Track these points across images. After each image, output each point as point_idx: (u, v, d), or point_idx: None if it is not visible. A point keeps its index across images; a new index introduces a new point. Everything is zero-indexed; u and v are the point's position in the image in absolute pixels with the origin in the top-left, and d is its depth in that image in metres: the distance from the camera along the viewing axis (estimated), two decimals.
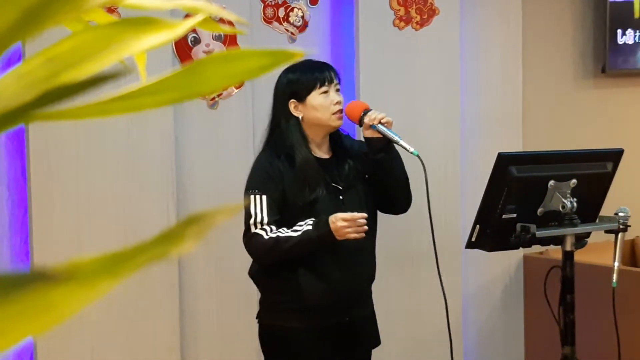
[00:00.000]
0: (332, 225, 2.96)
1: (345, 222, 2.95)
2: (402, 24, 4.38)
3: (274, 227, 3.04)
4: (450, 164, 4.47)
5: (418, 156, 3.05)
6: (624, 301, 3.69)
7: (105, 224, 3.65)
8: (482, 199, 3.12)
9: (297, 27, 4.14)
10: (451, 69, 4.50)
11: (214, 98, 3.91)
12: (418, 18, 4.41)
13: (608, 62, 5.18)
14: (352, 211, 3.04)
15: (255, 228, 3.05)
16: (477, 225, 3.11)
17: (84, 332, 3.55)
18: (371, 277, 3.28)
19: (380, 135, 3.14)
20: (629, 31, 5.27)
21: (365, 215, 3.00)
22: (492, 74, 4.70)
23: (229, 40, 3.92)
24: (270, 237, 3.02)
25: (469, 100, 4.62)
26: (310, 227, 3.00)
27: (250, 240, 3.06)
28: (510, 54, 4.74)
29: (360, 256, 3.18)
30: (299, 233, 3.00)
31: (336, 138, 3.24)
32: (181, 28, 0.52)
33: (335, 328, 3.15)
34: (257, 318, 3.26)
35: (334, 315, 3.14)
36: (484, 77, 4.68)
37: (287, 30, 4.12)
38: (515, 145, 4.70)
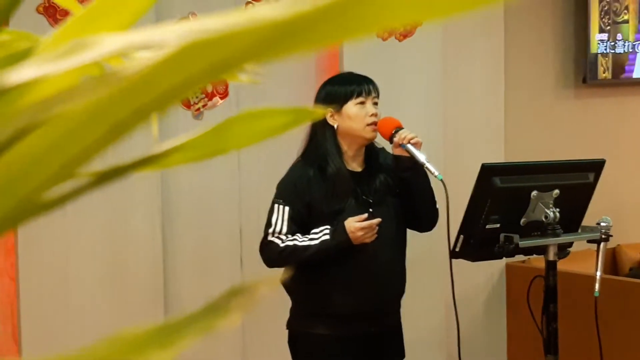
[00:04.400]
0: (350, 235, 3.04)
1: (363, 232, 3.03)
2: (386, 34, 4.40)
3: (289, 236, 3.11)
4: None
5: (442, 181, 3.06)
6: (606, 310, 3.72)
7: (91, 232, 3.65)
8: (466, 210, 3.15)
9: None
10: (434, 79, 4.52)
11: (198, 109, 3.93)
12: (401, 29, 4.44)
13: (589, 72, 5.23)
14: (380, 225, 3.11)
15: (272, 237, 3.12)
16: (461, 235, 3.13)
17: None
18: (401, 291, 3.33)
19: (408, 155, 3.15)
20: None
21: (379, 220, 3.07)
22: (475, 85, 4.73)
23: None
24: (287, 245, 3.09)
25: (451, 111, 4.65)
26: (327, 237, 3.07)
27: (266, 247, 3.14)
28: (492, 65, 4.78)
29: (391, 269, 3.23)
30: (317, 242, 3.08)
31: (371, 151, 3.27)
32: None
33: (362, 338, 3.20)
34: (287, 325, 3.30)
35: (362, 326, 3.19)
36: (466, 88, 4.71)
37: None
38: (497, 155, 4.73)
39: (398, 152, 3.18)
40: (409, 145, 3.13)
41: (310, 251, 3.07)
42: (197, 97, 3.90)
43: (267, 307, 4.02)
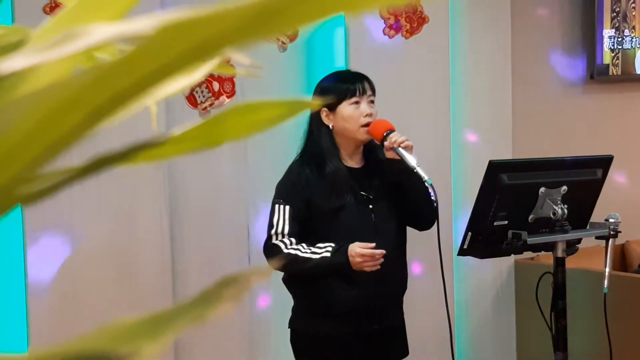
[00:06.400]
0: (350, 259, 3.02)
1: (362, 258, 3.01)
2: (392, 32, 4.40)
3: (293, 240, 3.09)
4: (441, 171, 4.49)
5: (431, 185, 3.04)
6: (615, 306, 3.71)
7: (99, 232, 3.66)
8: (474, 206, 3.14)
9: (288, 36, 4.16)
10: (441, 76, 4.52)
11: (205, 108, 3.93)
12: (408, 26, 4.43)
13: (596, 69, 5.22)
14: (380, 222, 3.12)
15: (276, 239, 3.11)
16: (469, 233, 3.13)
17: None
18: (403, 288, 3.32)
19: (400, 158, 3.11)
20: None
21: (383, 251, 3.03)
22: (482, 82, 4.73)
23: None
24: (289, 253, 3.07)
25: (458, 107, 4.64)
26: (328, 255, 3.05)
27: (270, 250, 3.13)
28: (499, 61, 4.77)
29: (392, 267, 3.19)
30: (317, 257, 3.05)
31: (370, 148, 3.24)
32: (199, 73, 0.53)
33: (364, 336, 3.19)
34: (289, 324, 3.29)
35: (364, 323, 3.17)
36: (473, 85, 4.71)
37: (278, 39, 4.14)
38: (505, 152, 4.72)
39: (390, 155, 3.13)
40: (400, 149, 3.08)
41: (308, 264, 3.04)
42: (204, 96, 3.91)
43: (275, 305, 4.02)
